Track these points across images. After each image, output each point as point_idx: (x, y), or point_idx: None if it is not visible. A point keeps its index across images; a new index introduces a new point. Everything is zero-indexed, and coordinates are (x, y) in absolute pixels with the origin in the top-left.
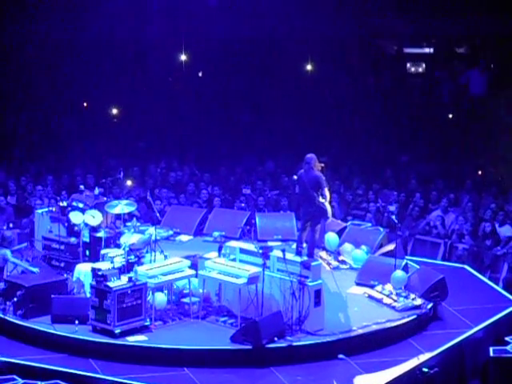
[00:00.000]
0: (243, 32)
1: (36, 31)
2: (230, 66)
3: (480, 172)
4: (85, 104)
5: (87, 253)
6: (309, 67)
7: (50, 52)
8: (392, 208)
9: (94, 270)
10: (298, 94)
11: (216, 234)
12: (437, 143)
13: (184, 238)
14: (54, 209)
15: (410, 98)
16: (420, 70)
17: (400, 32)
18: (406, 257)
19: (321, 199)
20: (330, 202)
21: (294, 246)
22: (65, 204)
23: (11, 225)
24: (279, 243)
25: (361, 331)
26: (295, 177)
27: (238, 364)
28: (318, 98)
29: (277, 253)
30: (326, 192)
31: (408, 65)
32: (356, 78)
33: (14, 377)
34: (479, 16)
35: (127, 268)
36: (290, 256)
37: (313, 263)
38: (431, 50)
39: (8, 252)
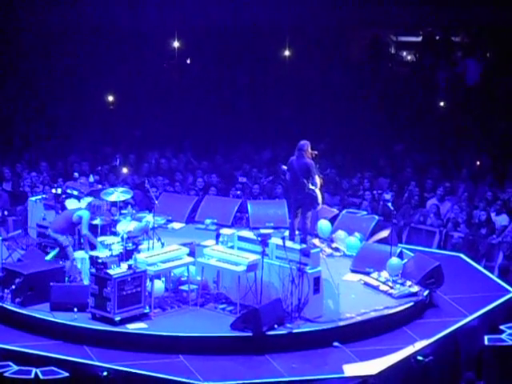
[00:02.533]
0: (240, 19)
1: (32, 19)
2: (225, 53)
3: (478, 162)
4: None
5: (82, 240)
6: (304, 55)
7: (46, 40)
8: (387, 196)
9: (92, 258)
10: (294, 81)
11: (208, 221)
12: (432, 132)
13: (176, 225)
14: (46, 196)
15: (405, 86)
16: (416, 58)
17: (396, 20)
18: (402, 245)
19: (311, 186)
20: (321, 190)
21: (287, 233)
22: (59, 191)
23: (6, 212)
24: (271, 230)
25: (359, 318)
26: (284, 167)
27: (236, 351)
28: (313, 86)
29: (275, 240)
30: (317, 179)
31: (404, 53)
32: (351, 66)
33: (9, 363)
34: (476, 5)
35: (125, 255)
36: (289, 243)
37: (312, 250)
38: (427, 39)
39: (86, 214)
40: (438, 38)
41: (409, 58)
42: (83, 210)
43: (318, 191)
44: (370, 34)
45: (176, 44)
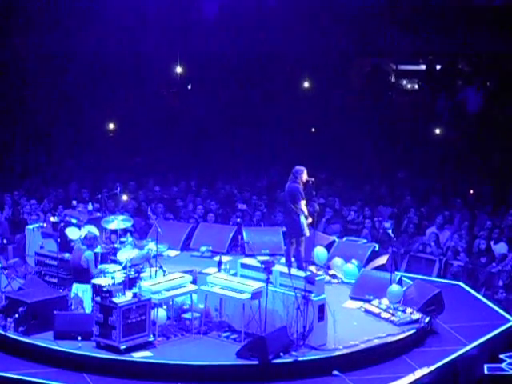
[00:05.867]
0: (239, 46)
1: (32, 45)
2: (225, 80)
3: (472, 191)
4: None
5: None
6: (304, 82)
7: (46, 66)
8: (387, 224)
9: (94, 286)
10: (294, 108)
11: (203, 248)
12: (433, 160)
13: (171, 252)
14: (44, 224)
15: (405, 114)
16: (416, 86)
17: (396, 49)
18: (401, 273)
19: (296, 208)
20: (315, 217)
21: (283, 260)
22: (57, 219)
23: (5, 240)
24: (267, 257)
25: (363, 346)
26: None
27: (238, 380)
28: (313, 113)
29: (280, 267)
30: (303, 206)
31: (404, 81)
32: (352, 94)
33: None
34: (477, 34)
35: (128, 284)
36: (293, 271)
37: (317, 278)
38: (428, 67)
39: (89, 254)
40: (438, 66)
41: (409, 86)
42: (86, 251)
43: (303, 218)
44: (370, 63)
45: (176, 71)
